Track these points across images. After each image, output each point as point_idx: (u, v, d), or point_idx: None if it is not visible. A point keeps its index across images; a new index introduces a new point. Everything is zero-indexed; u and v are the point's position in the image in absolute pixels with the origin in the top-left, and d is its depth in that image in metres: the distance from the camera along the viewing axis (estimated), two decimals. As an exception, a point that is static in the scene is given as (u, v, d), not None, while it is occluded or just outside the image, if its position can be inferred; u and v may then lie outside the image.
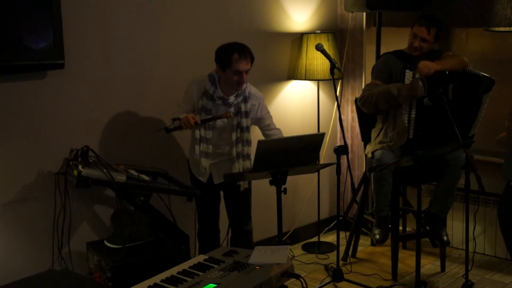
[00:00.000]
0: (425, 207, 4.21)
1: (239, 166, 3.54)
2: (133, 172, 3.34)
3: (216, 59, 3.43)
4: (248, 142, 3.56)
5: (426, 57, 3.87)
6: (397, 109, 3.86)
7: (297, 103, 4.64)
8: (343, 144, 3.65)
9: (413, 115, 3.84)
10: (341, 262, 4.02)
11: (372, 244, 4.66)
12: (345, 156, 3.74)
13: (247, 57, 3.39)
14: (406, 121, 3.84)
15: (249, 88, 3.56)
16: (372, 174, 3.88)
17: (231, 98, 3.47)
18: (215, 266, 2.84)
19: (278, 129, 3.68)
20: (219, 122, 3.49)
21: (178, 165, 3.82)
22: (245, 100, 3.52)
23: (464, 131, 3.84)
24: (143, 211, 3.39)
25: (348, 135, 4.83)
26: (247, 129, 3.56)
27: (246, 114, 3.53)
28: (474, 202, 4.17)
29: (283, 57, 4.51)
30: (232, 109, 3.47)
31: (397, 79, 3.88)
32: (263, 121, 3.64)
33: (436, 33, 3.89)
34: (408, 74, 3.80)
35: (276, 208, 3.41)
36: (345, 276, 3.90)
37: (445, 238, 3.91)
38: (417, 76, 3.74)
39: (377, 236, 3.97)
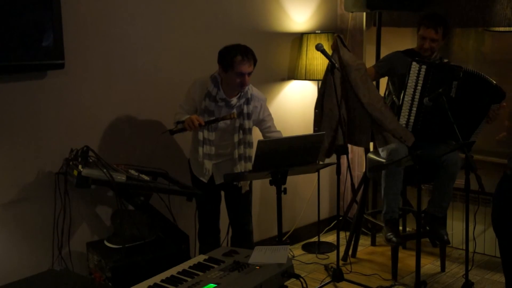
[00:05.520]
0: (425, 207, 4.21)
1: (241, 168, 3.54)
2: (133, 172, 3.34)
3: (218, 61, 3.43)
4: (250, 144, 3.56)
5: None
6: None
7: (297, 103, 4.64)
8: (343, 144, 3.65)
9: (413, 111, 3.82)
10: (341, 262, 4.02)
11: (372, 244, 4.66)
12: (345, 156, 3.74)
13: (249, 60, 3.38)
14: (406, 116, 3.83)
15: (251, 89, 3.56)
16: (383, 171, 3.83)
17: (234, 100, 3.47)
18: (215, 266, 2.84)
19: (279, 131, 3.68)
20: (221, 124, 3.49)
21: (179, 165, 3.82)
22: (248, 102, 3.51)
23: (465, 135, 3.81)
24: (143, 211, 3.39)
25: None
26: (249, 131, 3.56)
27: (249, 116, 3.53)
28: (474, 202, 4.17)
29: (283, 57, 4.51)
30: (234, 111, 3.47)
31: (399, 74, 3.90)
32: (264, 123, 3.63)
33: (444, 31, 3.92)
34: (414, 67, 3.79)
35: (276, 208, 3.41)
36: (345, 276, 3.90)
37: (445, 237, 3.90)
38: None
39: (394, 239, 3.83)
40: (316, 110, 3.93)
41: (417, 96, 3.80)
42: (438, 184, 3.89)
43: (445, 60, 4.04)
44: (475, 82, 3.82)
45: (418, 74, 3.79)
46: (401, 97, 3.84)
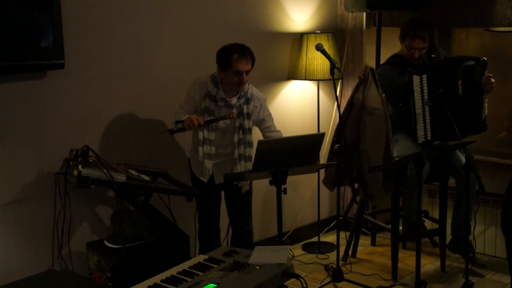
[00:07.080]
0: (425, 207, 4.21)
1: (241, 168, 3.54)
2: (133, 172, 3.34)
3: (217, 60, 3.43)
4: (250, 144, 3.56)
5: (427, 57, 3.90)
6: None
7: (297, 103, 4.64)
8: (343, 144, 3.65)
9: (427, 121, 3.82)
10: (341, 262, 4.02)
11: (372, 244, 4.66)
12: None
13: (247, 58, 3.38)
14: (423, 128, 3.83)
15: (251, 89, 3.56)
16: (404, 181, 3.84)
17: (233, 100, 3.47)
18: (215, 266, 2.84)
19: (279, 131, 3.68)
20: (221, 123, 3.49)
21: (179, 165, 3.82)
22: (247, 101, 3.52)
23: (477, 119, 3.90)
24: (143, 211, 3.39)
25: (348, 135, 4.83)
26: (249, 130, 3.56)
27: (248, 115, 3.53)
28: (474, 202, 4.17)
29: (283, 57, 4.51)
30: (234, 110, 3.47)
31: (398, 87, 3.89)
32: (264, 122, 3.63)
33: (429, 35, 3.92)
34: (416, 79, 3.78)
35: (276, 208, 3.41)
36: (345, 276, 3.90)
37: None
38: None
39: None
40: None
41: (426, 106, 3.81)
42: (460, 199, 3.90)
43: (433, 56, 4.01)
44: (471, 71, 3.88)
45: (421, 84, 3.79)
46: (412, 112, 3.82)
